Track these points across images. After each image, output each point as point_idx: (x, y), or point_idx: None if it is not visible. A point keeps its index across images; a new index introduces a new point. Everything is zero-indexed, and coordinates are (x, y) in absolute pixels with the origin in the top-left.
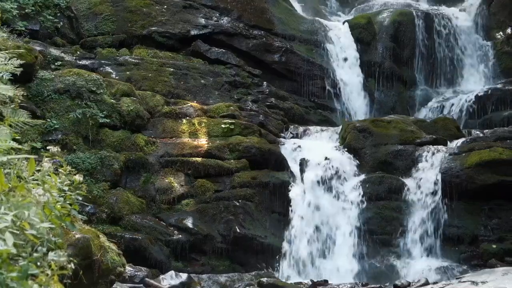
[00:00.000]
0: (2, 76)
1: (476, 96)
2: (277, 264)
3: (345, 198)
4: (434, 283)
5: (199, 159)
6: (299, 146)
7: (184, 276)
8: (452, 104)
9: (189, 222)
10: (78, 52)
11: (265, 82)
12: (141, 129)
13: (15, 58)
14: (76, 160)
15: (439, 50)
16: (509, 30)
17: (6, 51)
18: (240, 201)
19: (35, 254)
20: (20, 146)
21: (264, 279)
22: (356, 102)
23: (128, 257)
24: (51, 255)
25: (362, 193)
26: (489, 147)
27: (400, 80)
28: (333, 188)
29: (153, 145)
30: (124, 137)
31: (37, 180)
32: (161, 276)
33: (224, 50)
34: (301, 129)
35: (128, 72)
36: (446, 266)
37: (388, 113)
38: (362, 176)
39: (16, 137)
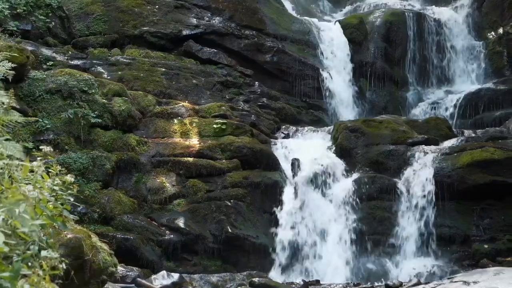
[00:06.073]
0: None
1: (468, 96)
2: (268, 264)
3: (337, 198)
4: (426, 283)
5: (190, 159)
6: (291, 146)
7: (175, 276)
8: (444, 104)
9: (180, 222)
10: (70, 52)
11: (256, 82)
12: (133, 129)
13: (7, 61)
14: (68, 160)
15: (430, 50)
16: (500, 30)
17: None
18: (231, 201)
19: (27, 252)
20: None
21: (256, 279)
22: (347, 102)
23: (119, 257)
24: (43, 253)
25: (353, 193)
26: (480, 147)
27: (392, 80)
28: (325, 188)
29: (145, 145)
30: (115, 137)
31: (29, 181)
32: (153, 276)
33: (215, 50)
34: (292, 129)
35: (119, 72)
36: (437, 266)
37: (379, 113)
38: (354, 176)
39: (8, 137)
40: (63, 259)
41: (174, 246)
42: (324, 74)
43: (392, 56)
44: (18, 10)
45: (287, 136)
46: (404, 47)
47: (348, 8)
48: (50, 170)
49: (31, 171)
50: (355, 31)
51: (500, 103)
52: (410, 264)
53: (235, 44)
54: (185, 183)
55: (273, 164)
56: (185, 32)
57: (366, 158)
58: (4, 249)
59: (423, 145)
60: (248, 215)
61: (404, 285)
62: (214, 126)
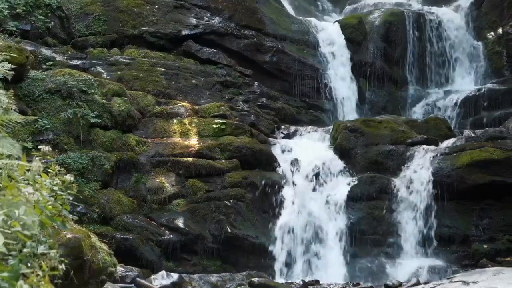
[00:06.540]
0: None
1: (467, 96)
2: (268, 264)
3: (336, 198)
4: (425, 283)
5: (190, 159)
6: (290, 146)
7: (175, 276)
8: (443, 104)
9: (180, 222)
10: (69, 52)
11: (256, 82)
12: (132, 129)
13: (7, 61)
14: (67, 160)
15: (430, 50)
16: (500, 30)
17: None
18: (231, 201)
19: (24, 250)
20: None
21: (255, 279)
22: (347, 102)
23: (119, 257)
24: (40, 248)
25: (353, 193)
26: (480, 147)
27: (391, 80)
28: (324, 188)
29: (144, 145)
30: (115, 137)
31: (27, 180)
32: (152, 276)
33: (215, 50)
34: (292, 129)
35: (119, 72)
36: (437, 266)
37: (379, 113)
38: (353, 176)
39: (5, 135)
40: (62, 259)
41: (173, 246)
42: (324, 74)
43: (391, 56)
44: (17, 10)
45: (286, 136)
46: (403, 47)
47: (347, 8)
48: (49, 170)
49: (29, 170)
50: (354, 31)
51: (499, 103)
52: (409, 264)
53: (234, 44)
54: (185, 183)
55: (272, 164)
56: (185, 32)
57: (365, 158)
58: (2, 249)
59: (422, 145)
60: (247, 215)
61: (404, 285)
62: (214, 126)
